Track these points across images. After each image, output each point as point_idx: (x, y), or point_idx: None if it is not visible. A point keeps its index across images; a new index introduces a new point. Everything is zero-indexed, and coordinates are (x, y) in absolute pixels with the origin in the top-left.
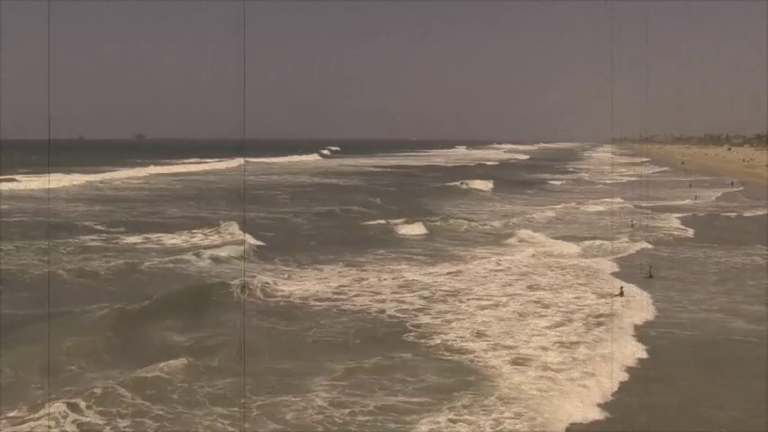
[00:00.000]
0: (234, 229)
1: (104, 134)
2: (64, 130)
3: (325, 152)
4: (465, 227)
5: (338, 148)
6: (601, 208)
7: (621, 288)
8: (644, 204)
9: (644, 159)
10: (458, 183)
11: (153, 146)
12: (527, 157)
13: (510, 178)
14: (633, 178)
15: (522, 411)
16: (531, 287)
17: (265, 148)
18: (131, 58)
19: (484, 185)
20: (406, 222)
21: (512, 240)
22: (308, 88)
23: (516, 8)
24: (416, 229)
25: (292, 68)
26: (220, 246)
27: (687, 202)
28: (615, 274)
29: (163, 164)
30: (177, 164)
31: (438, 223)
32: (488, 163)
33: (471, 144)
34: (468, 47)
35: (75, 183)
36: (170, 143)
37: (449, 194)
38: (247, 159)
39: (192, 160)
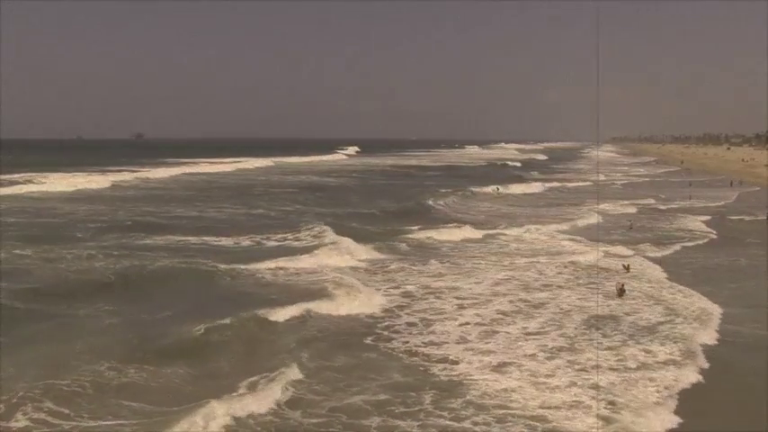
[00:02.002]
0: (329, 233)
1: (102, 134)
2: (65, 129)
3: (349, 152)
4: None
5: (358, 149)
6: (632, 210)
7: (622, 285)
8: (667, 207)
9: (650, 159)
10: (496, 187)
11: (155, 146)
12: (545, 157)
13: (545, 179)
14: (646, 179)
15: None
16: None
17: (274, 148)
18: (129, 58)
19: (525, 188)
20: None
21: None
22: (303, 91)
23: (515, 9)
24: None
25: (288, 70)
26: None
27: (711, 204)
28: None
29: (183, 164)
30: (199, 164)
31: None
32: (511, 163)
33: (472, 143)
34: (468, 47)
35: (103, 183)
36: (170, 143)
37: (498, 197)
38: (275, 159)
39: (212, 160)
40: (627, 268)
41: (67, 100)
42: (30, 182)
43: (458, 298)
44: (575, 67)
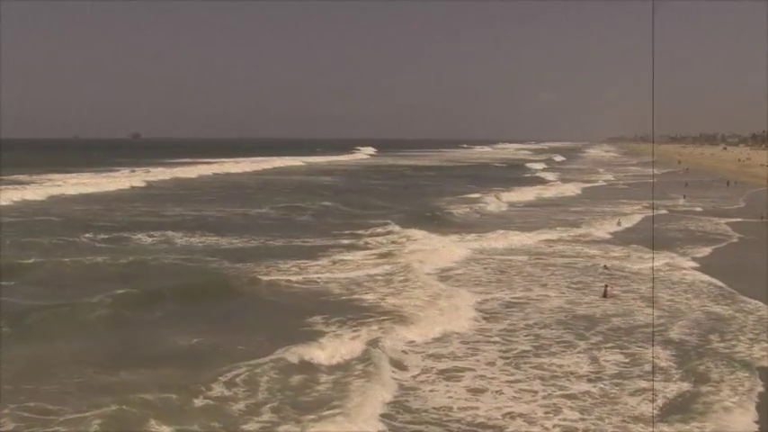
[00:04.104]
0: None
1: (99, 133)
2: (62, 129)
3: (369, 152)
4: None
5: (374, 149)
6: (663, 211)
7: (606, 287)
8: (686, 208)
9: (649, 159)
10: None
11: (156, 145)
12: (563, 158)
13: (574, 180)
14: (652, 179)
15: None
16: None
17: (281, 148)
18: (127, 58)
19: (561, 190)
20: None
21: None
22: (299, 90)
23: (513, 8)
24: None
25: (284, 70)
26: None
27: (728, 207)
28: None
29: (204, 163)
30: (217, 163)
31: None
32: (532, 166)
33: (469, 143)
34: (464, 48)
35: (137, 183)
36: (170, 143)
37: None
38: (303, 159)
39: (234, 160)
40: (606, 268)
41: (63, 99)
42: (65, 182)
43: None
44: (571, 69)
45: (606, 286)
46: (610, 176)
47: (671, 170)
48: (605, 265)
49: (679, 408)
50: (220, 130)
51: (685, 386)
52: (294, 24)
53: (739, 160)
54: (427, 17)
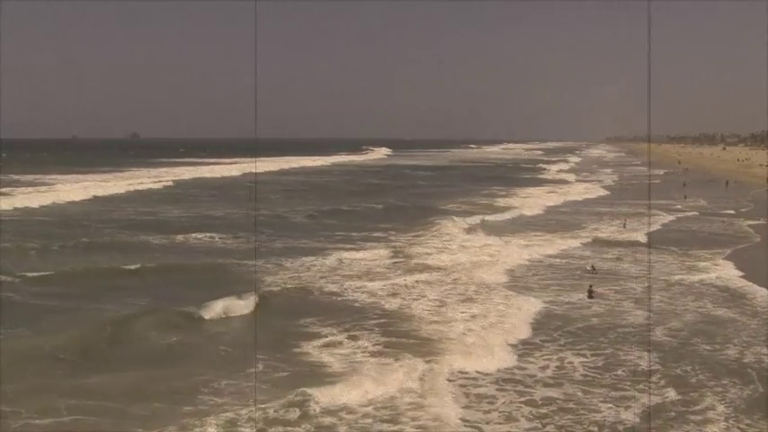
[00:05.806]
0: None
1: (97, 133)
2: (61, 129)
3: (386, 152)
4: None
5: (389, 149)
6: (691, 213)
7: (591, 287)
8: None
9: (654, 160)
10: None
11: (159, 145)
12: (579, 159)
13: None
14: (656, 180)
15: None
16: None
17: (289, 149)
18: (125, 58)
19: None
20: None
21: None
22: (296, 90)
23: (511, 8)
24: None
25: (277, 71)
26: None
27: (742, 209)
28: None
29: (213, 163)
30: (232, 163)
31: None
32: (550, 167)
33: (469, 143)
34: (465, 48)
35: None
36: (170, 143)
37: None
38: (328, 159)
39: (247, 160)
40: (593, 270)
41: (62, 99)
42: (92, 183)
43: None
44: (571, 68)
45: (591, 286)
46: (615, 177)
47: (670, 171)
48: (592, 266)
49: (658, 415)
50: (218, 129)
51: (674, 393)
52: (292, 23)
53: (738, 160)
54: (426, 17)
